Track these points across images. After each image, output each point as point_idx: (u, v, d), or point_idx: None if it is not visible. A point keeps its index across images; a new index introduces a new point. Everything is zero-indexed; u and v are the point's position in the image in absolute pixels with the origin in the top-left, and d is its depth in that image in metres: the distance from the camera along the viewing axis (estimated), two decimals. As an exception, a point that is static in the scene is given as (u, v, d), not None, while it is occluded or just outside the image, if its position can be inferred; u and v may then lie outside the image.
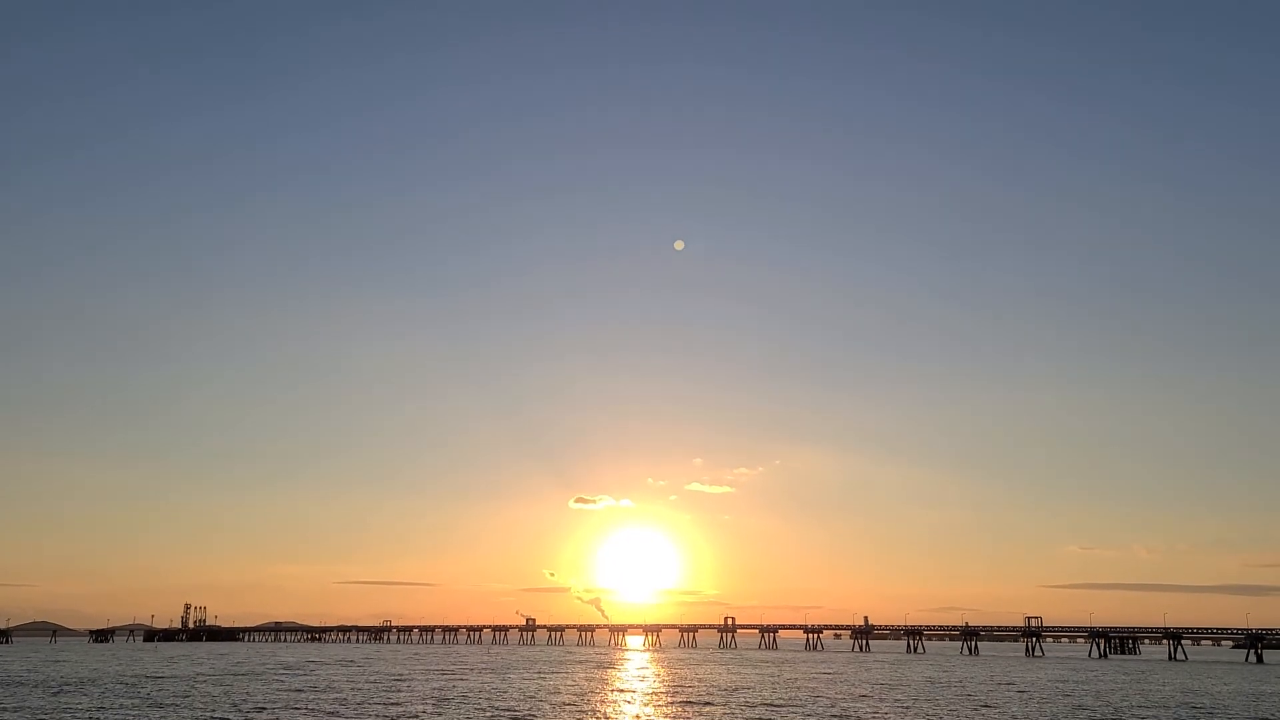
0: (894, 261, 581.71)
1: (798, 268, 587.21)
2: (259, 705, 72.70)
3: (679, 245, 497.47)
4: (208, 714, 65.96)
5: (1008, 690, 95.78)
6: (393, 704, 74.26)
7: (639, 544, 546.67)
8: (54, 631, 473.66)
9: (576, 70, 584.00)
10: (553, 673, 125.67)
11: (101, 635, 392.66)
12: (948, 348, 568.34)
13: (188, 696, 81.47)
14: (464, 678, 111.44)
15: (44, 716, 63.85)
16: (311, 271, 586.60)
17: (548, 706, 73.35)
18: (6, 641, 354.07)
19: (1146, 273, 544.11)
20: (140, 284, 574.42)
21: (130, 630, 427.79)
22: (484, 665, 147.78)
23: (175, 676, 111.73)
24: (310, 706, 71.60)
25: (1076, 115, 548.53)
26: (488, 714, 66.69)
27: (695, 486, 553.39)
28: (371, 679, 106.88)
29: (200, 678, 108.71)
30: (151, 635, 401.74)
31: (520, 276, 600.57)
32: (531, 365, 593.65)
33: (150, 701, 76.68)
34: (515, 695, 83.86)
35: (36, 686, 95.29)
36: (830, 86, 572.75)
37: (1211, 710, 73.37)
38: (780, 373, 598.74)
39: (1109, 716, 66.95)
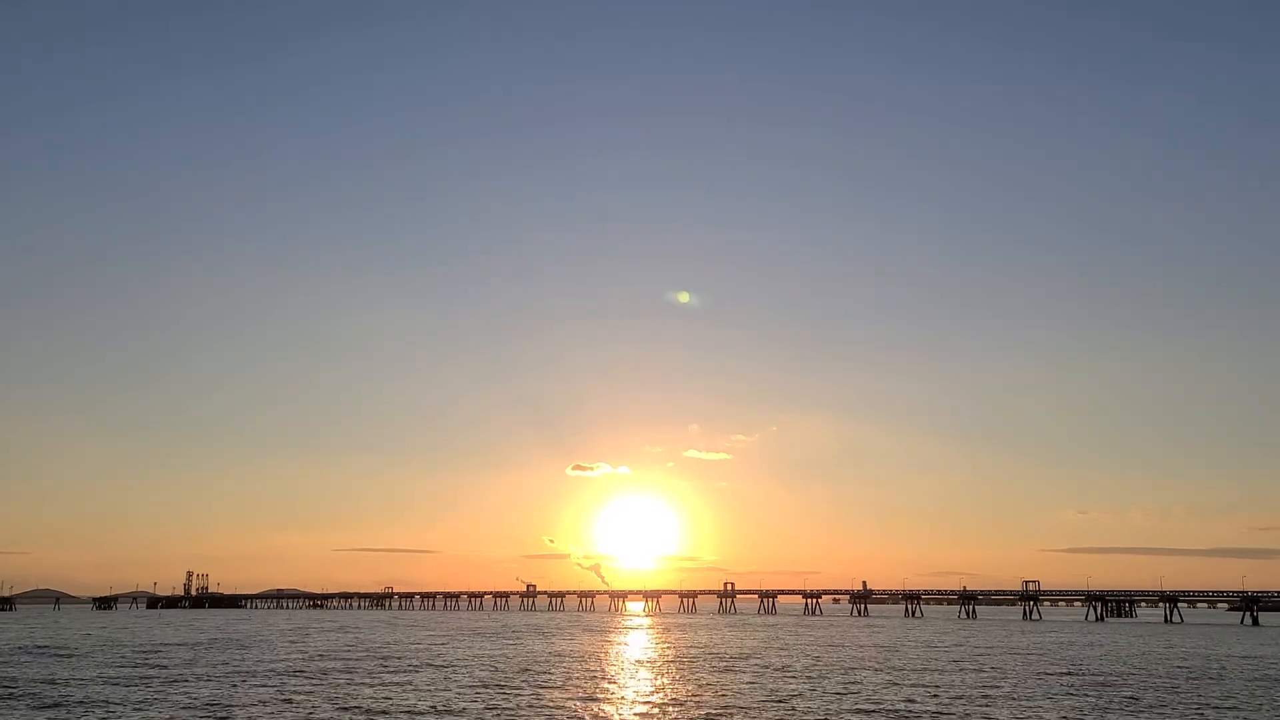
0: (891, 228, 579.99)
1: (795, 232, 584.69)
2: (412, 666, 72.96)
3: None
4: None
5: (1004, 654, 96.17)
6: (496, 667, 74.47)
7: (637, 511, 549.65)
8: (57, 599, 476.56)
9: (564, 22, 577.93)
10: (572, 637, 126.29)
11: (105, 602, 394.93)
12: (945, 314, 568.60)
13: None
14: (523, 640, 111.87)
15: (134, 676, 64.02)
16: (310, 242, 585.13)
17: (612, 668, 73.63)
18: (10, 609, 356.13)
19: (1143, 238, 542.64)
20: (142, 255, 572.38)
21: (133, 598, 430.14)
22: (517, 628, 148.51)
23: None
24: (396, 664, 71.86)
25: (1075, 81, 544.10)
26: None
27: (692, 453, 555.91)
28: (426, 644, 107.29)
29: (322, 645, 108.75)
30: (154, 602, 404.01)
31: (515, 244, 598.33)
32: (527, 333, 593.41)
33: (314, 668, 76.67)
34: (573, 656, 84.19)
35: (88, 654, 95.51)
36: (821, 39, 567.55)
37: (1204, 671, 73.60)
38: (777, 339, 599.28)
39: (1103, 678, 67.12)
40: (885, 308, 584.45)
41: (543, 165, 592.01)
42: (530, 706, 49.85)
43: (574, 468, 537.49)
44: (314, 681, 63.12)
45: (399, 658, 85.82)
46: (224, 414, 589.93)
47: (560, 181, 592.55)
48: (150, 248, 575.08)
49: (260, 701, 51.96)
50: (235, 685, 60.90)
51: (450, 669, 73.36)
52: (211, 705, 50.33)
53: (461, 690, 57.65)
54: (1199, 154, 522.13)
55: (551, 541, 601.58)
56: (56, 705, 50.52)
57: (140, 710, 48.66)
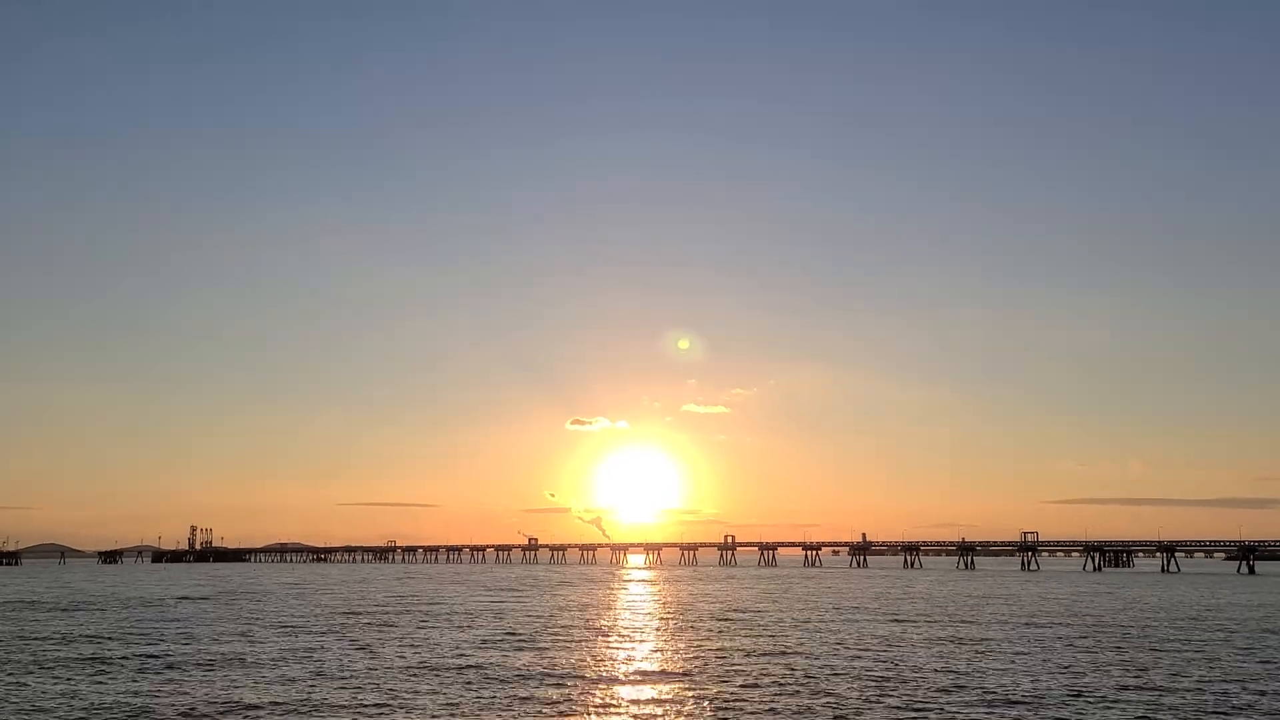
0: (890, 177, 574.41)
1: (793, 182, 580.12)
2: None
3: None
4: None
5: (1001, 601, 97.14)
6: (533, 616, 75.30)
7: (637, 465, 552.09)
8: (62, 553, 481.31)
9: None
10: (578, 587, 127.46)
11: (110, 556, 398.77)
12: (944, 264, 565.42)
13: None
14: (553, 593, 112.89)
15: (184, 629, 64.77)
16: (311, 195, 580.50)
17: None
18: (15, 563, 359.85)
19: (1143, 187, 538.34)
20: (145, 208, 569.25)
21: (138, 551, 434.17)
22: (525, 581, 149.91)
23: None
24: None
25: (1079, 21, 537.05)
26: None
27: (691, 407, 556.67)
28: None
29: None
30: (159, 556, 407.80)
31: (512, 196, 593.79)
32: (523, 286, 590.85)
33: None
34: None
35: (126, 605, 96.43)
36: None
37: (1195, 617, 74.39)
38: (774, 292, 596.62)
39: (1098, 624, 67.85)
40: (883, 259, 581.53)
41: (536, 119, 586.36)
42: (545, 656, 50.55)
43: (573, 422, 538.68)
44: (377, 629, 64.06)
45: (433, 609, 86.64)
46: (227, 371, 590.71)
47: (554, 134, 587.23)
48: (150, 204, 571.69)
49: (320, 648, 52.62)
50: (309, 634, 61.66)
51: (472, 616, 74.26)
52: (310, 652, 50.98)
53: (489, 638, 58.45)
54: (1201, 96, 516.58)
55: (553, 496, 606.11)
56: (152, 657, 51.13)
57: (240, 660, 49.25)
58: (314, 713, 32.75)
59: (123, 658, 48.94)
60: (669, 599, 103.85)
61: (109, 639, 59.23)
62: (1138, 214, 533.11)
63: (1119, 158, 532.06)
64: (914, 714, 32.46)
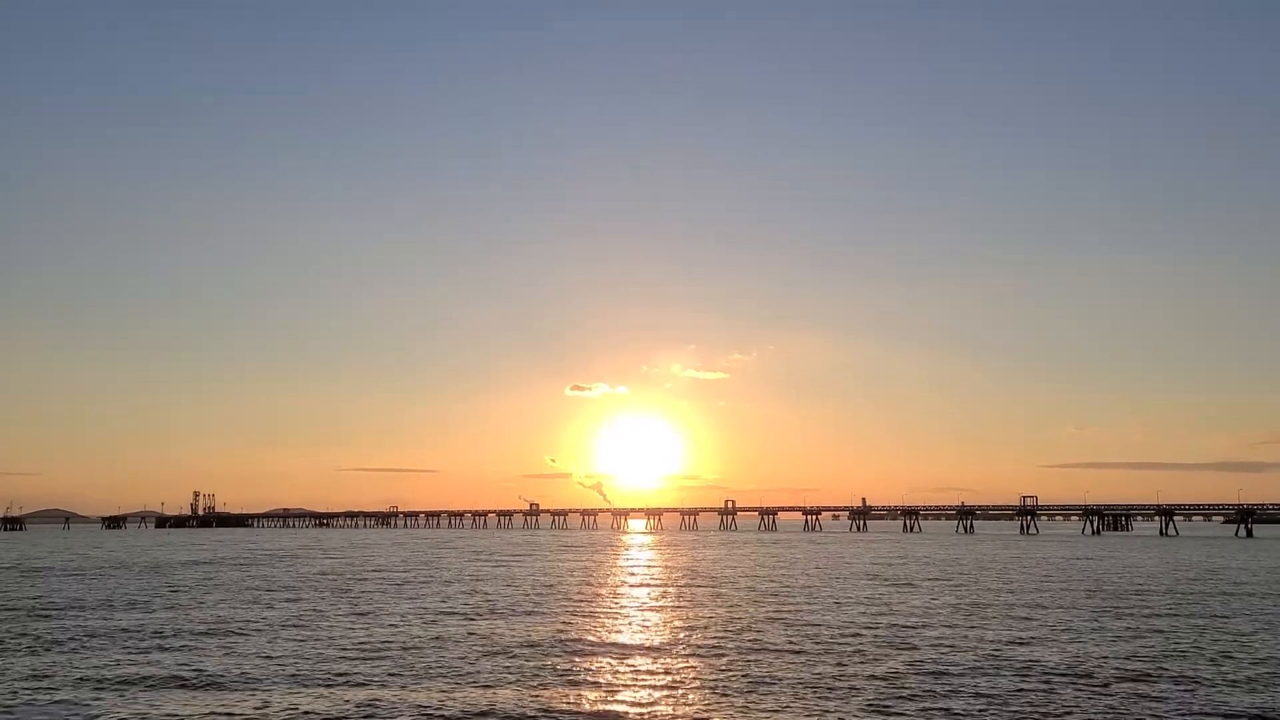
0: (889, 144, 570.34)
1: (790, 147, 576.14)
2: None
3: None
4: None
5: (1002, 564, 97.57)
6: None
7: (637, 430, 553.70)
8: (66, 519, 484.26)
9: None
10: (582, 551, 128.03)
11: (114, 522, 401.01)
12: (941, 230, 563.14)
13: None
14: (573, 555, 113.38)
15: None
16: (308, 165, 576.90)
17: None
18: (20, 528, 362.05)
19: (1140, 152, 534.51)
20: (146, 181, 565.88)
21: (141, 517, 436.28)
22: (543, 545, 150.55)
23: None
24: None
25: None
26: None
27: (690, 373, 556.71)
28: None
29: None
30: (163, 522, 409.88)
31: (510, 161, 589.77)
32: (520, 251, 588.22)
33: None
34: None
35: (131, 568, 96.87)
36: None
37: (1194, 579, 74.74)
38: (771, 257, 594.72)
39: (1094, 585, 68.14)
40: (881, 224, 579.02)
41: (531, 81, 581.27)
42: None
43: (572, 388, 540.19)
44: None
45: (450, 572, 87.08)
46: (229, 338, 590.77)
47: (551, 96, 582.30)
48: (152, 173, 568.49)
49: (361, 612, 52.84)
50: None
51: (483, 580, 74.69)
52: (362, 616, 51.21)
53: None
54: (1206, 61, 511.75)
55: (553, 461, 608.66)
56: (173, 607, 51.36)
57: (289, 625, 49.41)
58: (322, 684, 32.73)
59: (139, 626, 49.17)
60: (680, 564, 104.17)
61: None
62: (1136, 179, 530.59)
63: (1113, 123, 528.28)
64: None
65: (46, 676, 31.76)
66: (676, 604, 56.25)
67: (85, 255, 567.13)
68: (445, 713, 25.99)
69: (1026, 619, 46.99)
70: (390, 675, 31.50)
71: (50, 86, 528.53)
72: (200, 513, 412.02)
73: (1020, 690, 28.72)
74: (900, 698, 27.68)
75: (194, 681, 30.73)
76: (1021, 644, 38.25)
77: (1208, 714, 25.87)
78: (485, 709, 26.35)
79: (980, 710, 26.09)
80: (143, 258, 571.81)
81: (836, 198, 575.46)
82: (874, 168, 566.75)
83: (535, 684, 29.91)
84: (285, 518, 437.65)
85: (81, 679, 31.22)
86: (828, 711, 25.93)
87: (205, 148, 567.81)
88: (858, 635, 40.85)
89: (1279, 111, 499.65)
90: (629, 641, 40.03)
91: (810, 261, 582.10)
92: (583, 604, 55.95)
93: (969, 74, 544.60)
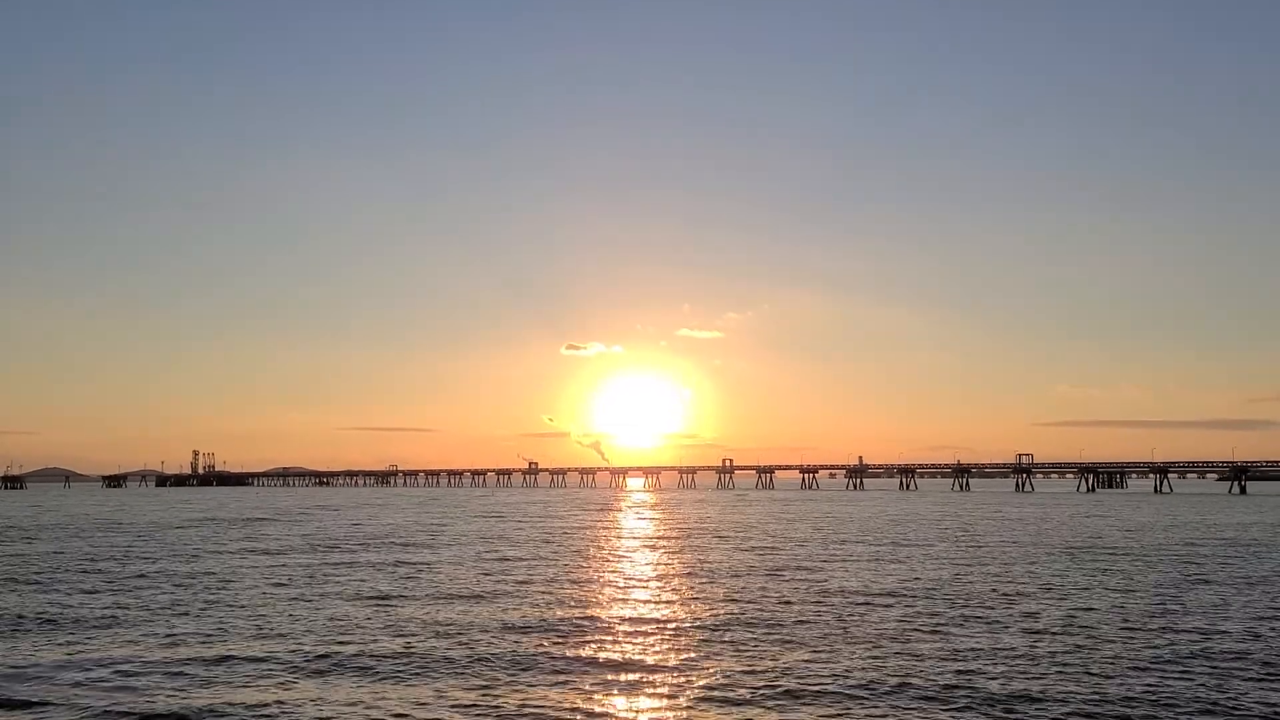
0: (881, 101, 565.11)
1: (786, 103, 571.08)
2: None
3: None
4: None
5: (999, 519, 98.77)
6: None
7: (633, 390, 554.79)
8: (67, 477, 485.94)
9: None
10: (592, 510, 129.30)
11: (114, 481, 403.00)
12: (938, 187, 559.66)
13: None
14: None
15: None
16: (306, 121, 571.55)
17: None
18: (21, 487, 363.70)
19: (1134, 105, 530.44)
20: (145, 138, 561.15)
21: (141, 476, 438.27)
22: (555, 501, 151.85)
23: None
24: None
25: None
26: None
27: (685, 332, 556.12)
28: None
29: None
30: (163, 480, 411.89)
31: (503, 119, 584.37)
32: (513, 209, 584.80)
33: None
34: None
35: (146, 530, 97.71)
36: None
37: (1190, 538, 75.75)
38: (765, 215, 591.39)
39: (1083, 541, 69.14)
40: (876, 182, 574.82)
41: (521, 36, 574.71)
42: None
43: (567, 347, 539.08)
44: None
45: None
46: (227, 295, 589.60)
47: (542, 52, 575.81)
48: (151, 132, 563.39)
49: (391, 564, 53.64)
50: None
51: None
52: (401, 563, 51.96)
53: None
54: (1209, 22, 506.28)
55: (551, 420, 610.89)
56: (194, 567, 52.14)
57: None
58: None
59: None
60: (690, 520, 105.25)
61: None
62: (1131, 136, 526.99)
63: (1114, 79, 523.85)
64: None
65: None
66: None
67: (83, 211, 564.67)
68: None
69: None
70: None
71: (44, 32, 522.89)
72: (200, 471, 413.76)
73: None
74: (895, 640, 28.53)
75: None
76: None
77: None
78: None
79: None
80: (142, 216, 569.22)
81: (831, 154, 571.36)
82: (869, 123, 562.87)
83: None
84: (285, 477, 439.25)
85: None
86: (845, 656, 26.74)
87: (203, 103, 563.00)
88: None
89: (1275, 69, 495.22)
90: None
91: (805, 219, 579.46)
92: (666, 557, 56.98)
93: (963, 24, 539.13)
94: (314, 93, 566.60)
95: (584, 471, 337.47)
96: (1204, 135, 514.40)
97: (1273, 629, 31.05)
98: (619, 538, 76.39)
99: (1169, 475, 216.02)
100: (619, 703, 22.26)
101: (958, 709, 21.44)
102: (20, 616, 34.29)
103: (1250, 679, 24.13)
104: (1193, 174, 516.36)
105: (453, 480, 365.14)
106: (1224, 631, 30.64)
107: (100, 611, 35.29)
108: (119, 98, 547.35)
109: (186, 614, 34.78)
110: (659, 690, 23.29)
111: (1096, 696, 22.41)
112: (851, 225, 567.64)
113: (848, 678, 24.17)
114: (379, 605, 36.64)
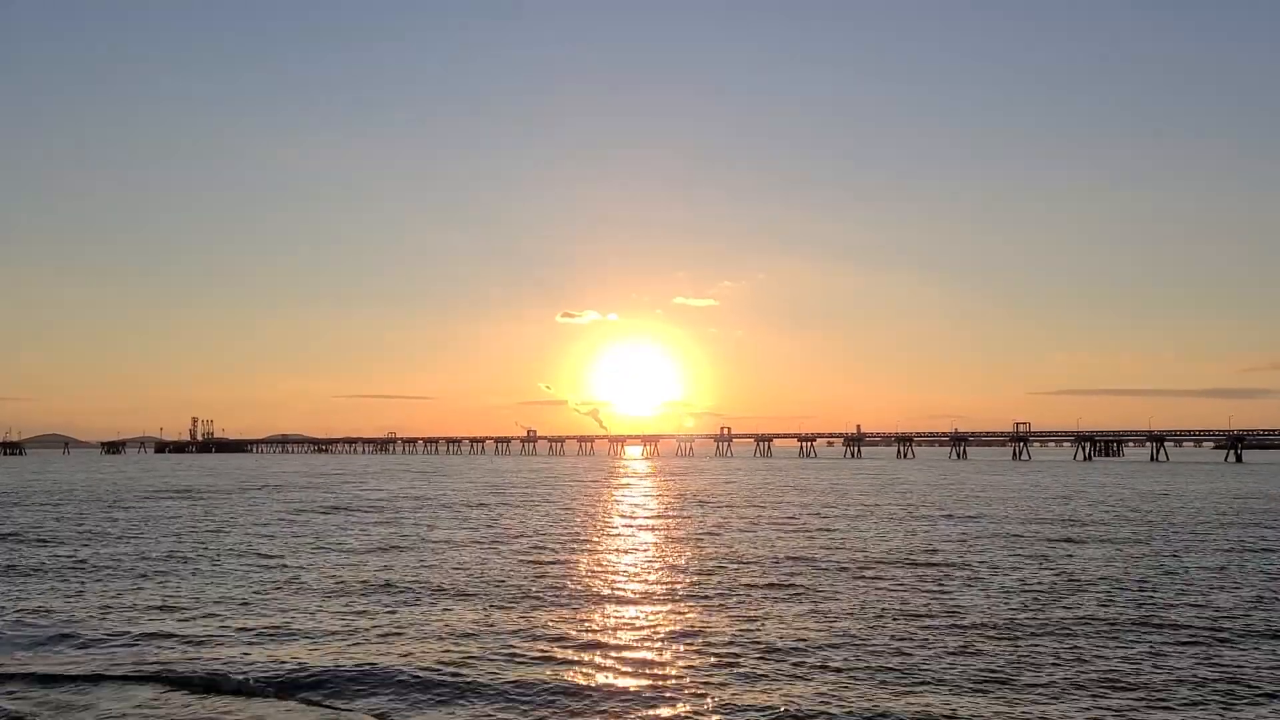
0: (875, 69, 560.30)
1: (780, 70, 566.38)
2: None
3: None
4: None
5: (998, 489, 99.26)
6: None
7: (630, 358, 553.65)
8: (66, 444, 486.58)
9: None
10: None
11: (113, 447, 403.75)
12: (933, 155, 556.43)
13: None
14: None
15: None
16: (303, 92, 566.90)
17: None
18: (20, 453, 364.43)
19: (1130, 72, 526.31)
20: (144, 105, 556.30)
21: (140, 442, 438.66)
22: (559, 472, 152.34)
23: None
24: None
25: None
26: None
27: (680, 300, 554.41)
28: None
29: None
30: (162, 447, 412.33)
31: (496, 90, 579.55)
32: (506, 176, 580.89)
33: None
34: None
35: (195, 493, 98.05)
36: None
37: (1183, 503, 76.23)
38: (760, 183, 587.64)
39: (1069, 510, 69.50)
40: (871, 150, 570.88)
41: (524, 11, 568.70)
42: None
43: (562, 315, 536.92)
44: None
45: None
46: (225, 262, 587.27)
47: (539, 16, 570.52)
48: (147, 101, 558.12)
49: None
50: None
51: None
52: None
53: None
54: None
55: (548, 388, 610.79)
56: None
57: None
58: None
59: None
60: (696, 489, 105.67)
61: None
62: (1127, 105, 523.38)
63: (1111, 49, 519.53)
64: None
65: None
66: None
67: (82, 178, 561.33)
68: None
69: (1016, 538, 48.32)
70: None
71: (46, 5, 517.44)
72: (199, 439, 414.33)
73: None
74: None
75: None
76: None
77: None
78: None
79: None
80: (139, 184, 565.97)
81: (825, 122, 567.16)
82: (866, 89, 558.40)
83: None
84: (284, 444, 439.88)
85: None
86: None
87: (199, 67, 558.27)
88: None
89: (1271, 37, 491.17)
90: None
91: (800, 187, 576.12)
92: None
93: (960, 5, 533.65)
94: (312, 61, 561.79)
95: (582, 439, 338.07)
96: (1200, 103, 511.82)
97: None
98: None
99: (1165, 443, 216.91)
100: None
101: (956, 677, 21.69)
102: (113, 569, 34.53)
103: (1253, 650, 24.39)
104: (1189, 143, 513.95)
105: (451, 448, 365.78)
106: (1228, 599, 30.91)
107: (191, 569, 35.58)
108: (116, 63, 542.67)
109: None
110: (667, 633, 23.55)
111: (1096, 668, 22.64)
112: (848, 194, 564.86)
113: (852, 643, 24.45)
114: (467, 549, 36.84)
